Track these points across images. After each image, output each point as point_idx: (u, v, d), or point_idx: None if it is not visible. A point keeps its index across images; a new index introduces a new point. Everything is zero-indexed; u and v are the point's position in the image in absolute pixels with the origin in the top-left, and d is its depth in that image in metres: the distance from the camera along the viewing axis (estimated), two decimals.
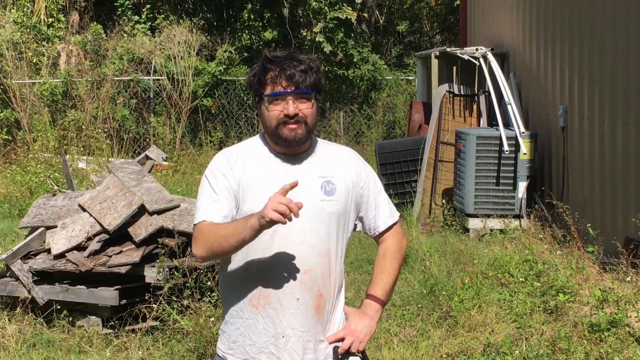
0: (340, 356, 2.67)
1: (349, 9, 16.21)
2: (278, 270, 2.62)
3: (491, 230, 8.35)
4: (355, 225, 2.82)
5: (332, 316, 2.74)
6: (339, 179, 2.71)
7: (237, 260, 2.66)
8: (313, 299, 2.65)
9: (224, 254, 2.61)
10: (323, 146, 2.77)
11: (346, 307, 2.79)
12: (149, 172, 7.06)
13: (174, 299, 5.55)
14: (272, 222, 2.39)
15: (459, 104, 10.01)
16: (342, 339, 2.70)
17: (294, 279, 2.62)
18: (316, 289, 2.65)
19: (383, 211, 2.82)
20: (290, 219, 2.38)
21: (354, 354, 2.68)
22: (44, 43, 15.70)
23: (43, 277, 6.05)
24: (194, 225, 2.64)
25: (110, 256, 5.83)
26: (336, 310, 2.76)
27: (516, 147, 8.68)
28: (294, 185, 2.44)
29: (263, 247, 2.61)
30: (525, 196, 8.75)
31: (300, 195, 2.55)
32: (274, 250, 2.60)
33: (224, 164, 2.67)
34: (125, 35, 15.75)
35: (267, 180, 2.62)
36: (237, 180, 2.63)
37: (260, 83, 2.63)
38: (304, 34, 17.98)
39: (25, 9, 16.27)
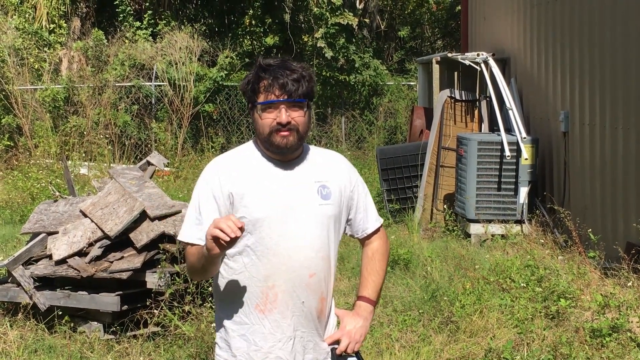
0: (338, 357, 2.74)
1: (351, 15, 16.22)
2: (285, 275, 2.65)
3: (492, 235, 8.34)
4: (345, 228, 2.88)
5: (329, 317, 2.81)
6: (333, 183, 2.76)
7: (241, 266, 2.67)
8: (317, 302, 2.71)
9: (205, 275, 2.70)
10: (314, 152, 2.82)
11: (337, 310, 2.85)
12: (151, 177, 7.07)
13: (176, 304, 5.56)
14: (217, 249, 2.43)
15: (460, 109, 10.01)
16: (338, 340, 2.76)
17: (301, 282, 2.66)
18: (320, 292, 2.71)
19: (371, 214, 2.90)
20: (231, 239, 2.39)
21: (350, 355, 2.75)
22: (45, 49, 15.74)
23: (44, 283, 6.05)
24: (184, 245, 2.73)
25: (112, 262, 5.83)
26: (332, 311, 2.83)
27: (517, 152, 8.67)
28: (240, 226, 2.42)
29: (270, 252, 2.64)
30: (526, 201, 8.74)
31: (299, 200, 2.67)
32: (281, 255, 2.63)
33: (214, 178, 2.69)
34: (126, 41, 15.78)
35: (263, 186, 2.67)
36: (228, 192, 2.66)
37: (253, 91, 2.67)
38: (306, 39, 17.99)
39: (27, 15, 16.32)
